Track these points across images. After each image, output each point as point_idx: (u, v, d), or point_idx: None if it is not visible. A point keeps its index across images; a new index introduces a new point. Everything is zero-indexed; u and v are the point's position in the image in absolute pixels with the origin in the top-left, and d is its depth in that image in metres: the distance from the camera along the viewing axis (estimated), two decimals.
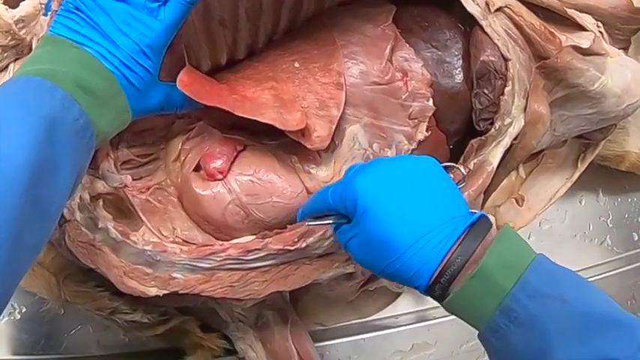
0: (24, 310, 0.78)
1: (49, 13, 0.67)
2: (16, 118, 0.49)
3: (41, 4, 0.69)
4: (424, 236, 0.54)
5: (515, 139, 0.72)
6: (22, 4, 0.69)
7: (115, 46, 0.57)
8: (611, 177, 0.90)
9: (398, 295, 0.82)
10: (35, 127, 0.49)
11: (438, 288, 0.55)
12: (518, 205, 0.79)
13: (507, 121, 0.70)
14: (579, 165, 0.83)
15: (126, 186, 0.65)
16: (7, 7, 0.68)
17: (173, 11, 0.59)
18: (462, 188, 0.67)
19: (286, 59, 0.70)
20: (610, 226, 0.91)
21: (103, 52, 0.57)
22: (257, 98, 0.66)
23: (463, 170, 0.68)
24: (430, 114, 0.70)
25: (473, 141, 0.70)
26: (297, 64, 0.69)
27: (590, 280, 0.87)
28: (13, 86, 0.53)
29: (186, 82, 0.63)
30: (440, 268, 0.54)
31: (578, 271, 0.89)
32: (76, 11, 0.57)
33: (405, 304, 0.83)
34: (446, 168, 0.60)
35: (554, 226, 0.90)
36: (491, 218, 0.78)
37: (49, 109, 0.51)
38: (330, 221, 0.61)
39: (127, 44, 0.57)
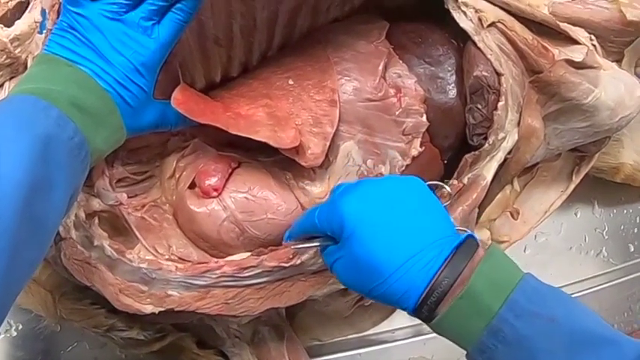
0: (20, 327, 0.78)
1: (44, 31, 0.68)
2: (11, 137, 0.49)
3: (36, 22, 0.69)
4: (410, 259, 0.54)
5: (509, 153, 0.72)
6: (17, 22, 0.69)
7: (109, 64, 0.58)
8: (607, 189, 0.90)
9: (394, 309, 0.82)
10: (30, 145, 0.50)
11: (425, 310, 0.55)
12: (513, 218, 0.79)
13: (501, 135, 0.71)
14: (574, 178, 0.83)
15: (121, 204, 0.66)
16: (2, 25, 0.69)
17: (167, 30, 0.59)
18: (452, 205, 0.68)
19: (280, 76, 0.70)
20: (606, 237, 0.91)
21: (97, 70, 0.57)
22: (251, 116, 0.66)
23: (449, 189, 0.67)
24: (424, 130, 0.70)
25: (467, 156, 0.71)
26: (291, 81, 0.69)
27: (586, 292, 0.88)
28: (8, 105, 0.53)
29: (181, 101, 0.64)
30: (427, 291, 0.54)
31: (574, 283, 0.89)
32: (70, 30, 0.58)
33: (401, 318, 0.83)
34: (431, 187, 0.60)
35: (549, 238, 0.90)
36: (487, 233, 0.79)
37: (44, 128, 0.51)
38: (317, 244, 0.62)
39: (122, 63, 0.58)
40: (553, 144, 0.77)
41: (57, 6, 0.62)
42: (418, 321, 0.56)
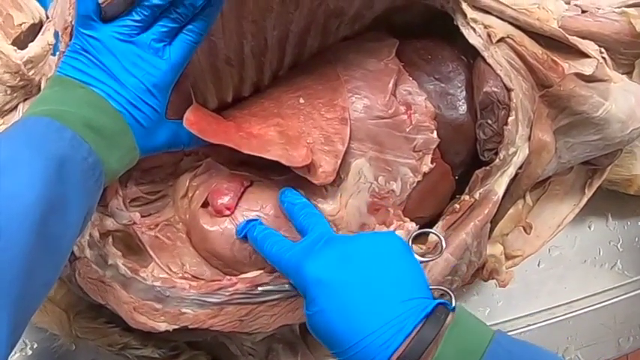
0: (35, 345, 0.79)
1: (57, 53, 0.69)
2: (25, 158, 0.50)
3: (49, 44, 0.71)
4: (369, 335, 0.52)
5: (520, 168, 0.72)
6: (30, 45, 0.71)
7: (121, 85, 0.58)
8: (620, 201, 0.90)
9: None
10: (44, 166, 0.50)
11: None
12: (526, 232, 0.79)
13: (512, 150, 0.71)
14: (587, 191, 0.83)
15: (135, 223, 0.66)
16: (15, 47, 0.70)
17: (178, 51, 0.60)
18: (464, 220, 0.68)
19: (291, 95, 0.70)
20: (620, 250, 0.91)
21: (110, 91, 0.58)
22: (263, 135, 0.66)
23: (441, 236, 0.65)
24: (434, 146, 0.70)
25: (478, 171, 0.71)
26: (301, 100, 0.70)
27: (600, 305, 0.88)
28: (22, 127, 0.54)
29: (193, 121, 0.64)
30: None
31: (589, 296, 0.89)
32: (83, 52, 0.58)
33: None
34: (422, 234, 0.59)
35: (563, 252, 0.89)
36: (500, 248, 0.79)
37: (58, 149, 0.52)
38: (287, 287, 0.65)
39: (134, 84, 0.59)
40: (565, 157, 0.77)
41: (69, 29, 0.62)
42: None
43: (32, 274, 0.48)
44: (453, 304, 0.55)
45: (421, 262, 0.59)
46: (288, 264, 0.60)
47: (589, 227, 0.91)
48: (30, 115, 0.55)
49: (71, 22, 0.61)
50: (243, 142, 0.65)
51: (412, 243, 0.64)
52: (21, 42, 0.73)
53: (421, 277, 0.56)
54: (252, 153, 0.64)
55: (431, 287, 0.57)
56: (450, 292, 0.59)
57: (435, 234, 0.66)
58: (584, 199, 0.83)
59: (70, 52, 0.59)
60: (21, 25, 0.73)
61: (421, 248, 0.69)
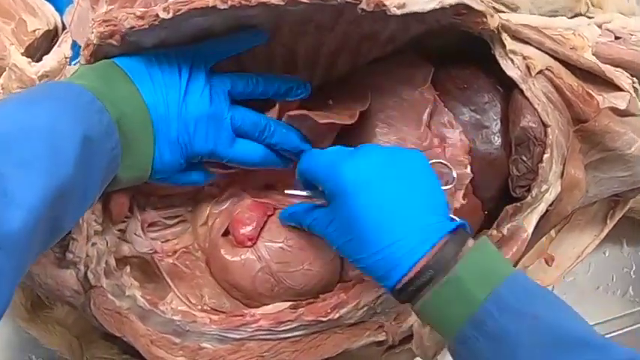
0: None
1: (74, 62, 0.65)
2: (66, 132, 0.48)
3: (66, 57, 0.66)
4: (397, 242, 0.53)
5: (550, 205, 0.70)
6: (45, 58, 0.66)
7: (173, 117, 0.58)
8: (636, 228, 0.89)
9: None
10: (80, 146, 0.48)
11: (405, 295, 0.54)
12: (548, 265, 0.78)
13: (544, 187, 0.69)
14: (608, 222, 0.82)
15: (156, 252, 0.63)
16: (30, 60, 0.65)
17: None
18: None
19: None
20: (633, 277, 0.90)
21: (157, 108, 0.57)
22: None
23: (454, 173, 0.65)
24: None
25: (508, 207, 0.69)
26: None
27: (612, 333, 0.87)
28: (66, 91, 0.52)
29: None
30: (409, 276, 0.53)
31: (601, 323, 0.88)
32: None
33: None
34: (434, 165, 0.60)
35: (577, 278, 0.89)
36: None
37: (96, 133, 0.50)
38: (311, 194, 0.62)
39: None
40: (592, 191, 0.75)
41: (91, 46, 0.58)
42: None
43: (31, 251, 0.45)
44: (454, 182, 0.62)
45: None
46: (319, 162, 0.59)
47: (604, 253, 0.90)
48: (74, 82, 0.53)
49: (93, 40, 0.57)
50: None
51: None
52: (34, 49, 0.69)
53: (443, 198, 0.57)
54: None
55: (433, 161, 0.60)
56: (450, 167, 0.63)
57: (445, 164, 0.66)
58: (606, 230, 0.81)
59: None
60: (35, 31, 0.68)
61: None
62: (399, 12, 0.58)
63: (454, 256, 0.53)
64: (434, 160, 0.63)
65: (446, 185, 0.64)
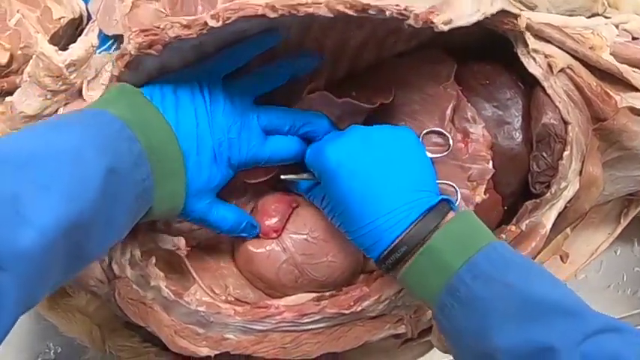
0: (59, 350, 0.76)
1: (109, 76, 0.63)
2: (91, 159, 0.47)
3: (93, 46, 0.66)
4: (379, 218, 0.56)
5: (568, 202, 0.71)
6: (72, 46, 0.65)
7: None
8: None
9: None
10: (105, 176, 0.47)
11: (387, 264, 0.57)
12: (563, 262, 0.78)
13: (563, 184, 0.69)
14: (622, 220, 0.83)
15: (179, 248, 0.63)
16: (56, 49, 0.65)
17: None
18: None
19: None
20: None
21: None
22: None
23: (448, 135, 0.66)
24: (489, 176, 0.68)
25: (528, 203, 0.69)
26: None
27: None
28: (94, 118, 0.51)
29: None
30: (391, 247, 0.56)
31: None
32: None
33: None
34: (432, 133, 0.63)
35: (589, 275, 0.89)
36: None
37: (123, 163, 0.49)
38: (305, 176, 0.64)
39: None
40: (607, 190, 0.76)
41: (127, 57, 0.57)
42: None
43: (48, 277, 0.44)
44: (458, 202, 0.63)
45: (431, 157, 0.63)
46: (310, 151, 0.63)
47: (615, 252, 0.90)
48: (105, 108, 0.52)
49: (130, 50, 0.56)
50: None
51: (423, 140, 0.65)
52: (59, 37, 0.69)
53: (431, 173, 0.60)
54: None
55: (438, 182, 0.62)
56: (456, 188, 0.64)
57: (443, 132, 0.66)
58: (619, 229, 0.82)
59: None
60: (60, 19, 0.68)
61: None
62: (446, 28, 0.58)
63: (434, 228, 0.55)
64: (439, 182, 0.63)
65: (444, 150, 0.66)
